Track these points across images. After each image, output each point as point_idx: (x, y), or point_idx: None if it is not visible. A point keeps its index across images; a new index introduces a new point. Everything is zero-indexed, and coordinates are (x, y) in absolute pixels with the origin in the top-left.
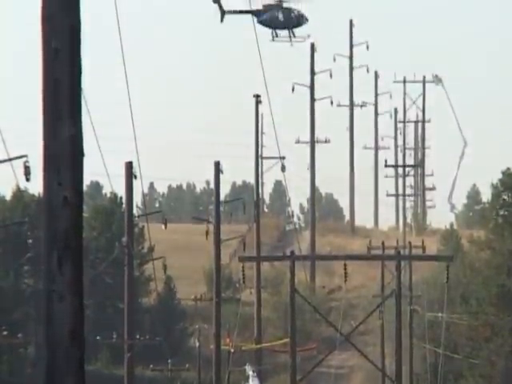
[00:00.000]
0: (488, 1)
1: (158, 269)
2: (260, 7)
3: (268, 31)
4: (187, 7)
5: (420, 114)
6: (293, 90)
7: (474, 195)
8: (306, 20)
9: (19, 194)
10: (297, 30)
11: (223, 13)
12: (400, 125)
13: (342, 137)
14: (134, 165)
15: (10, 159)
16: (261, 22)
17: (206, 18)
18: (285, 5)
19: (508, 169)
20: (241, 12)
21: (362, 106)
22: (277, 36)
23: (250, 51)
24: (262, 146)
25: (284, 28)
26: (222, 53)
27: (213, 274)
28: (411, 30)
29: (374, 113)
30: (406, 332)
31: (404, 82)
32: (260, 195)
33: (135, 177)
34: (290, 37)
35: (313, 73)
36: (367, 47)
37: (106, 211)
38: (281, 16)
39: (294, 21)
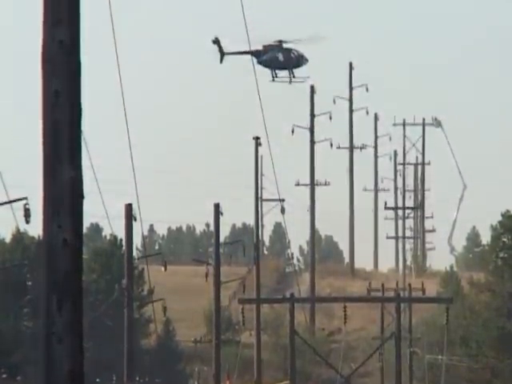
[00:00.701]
0: (487, 45)
1: (157, 311)
2: (260, 48)
3: (267, 72)
4: (186, 49)
5: (420, 157)
6: (292, 132)
7: (473, 237)
8: (306, 60)
9: (19, 236)
10: (296, 71)
11: (223, 54)
12: (400, 167)
13: (341, 179)
14: (134, 207)
15: (10, 201)
16: (261, 63)
17: (205, 59)
18: (285, 45)
19: (507, 211)
20: (240, 53)
21: (361, 149)
22: (276, 76)
23: (249, 92)
24: (261, 188)
25: (284, 68)
26: (222, 94)
27: (212, 316)
28: (411, 73)
29: (373, 155)
30: (405, 374)
31: (404, 124)
32: (260, 237)
33: (135, 219)
34: (289, 77)
35: (312, 115)
36: (367, 90)
37: (105, 253)
38: (281, 56)
39: (293, 61)
